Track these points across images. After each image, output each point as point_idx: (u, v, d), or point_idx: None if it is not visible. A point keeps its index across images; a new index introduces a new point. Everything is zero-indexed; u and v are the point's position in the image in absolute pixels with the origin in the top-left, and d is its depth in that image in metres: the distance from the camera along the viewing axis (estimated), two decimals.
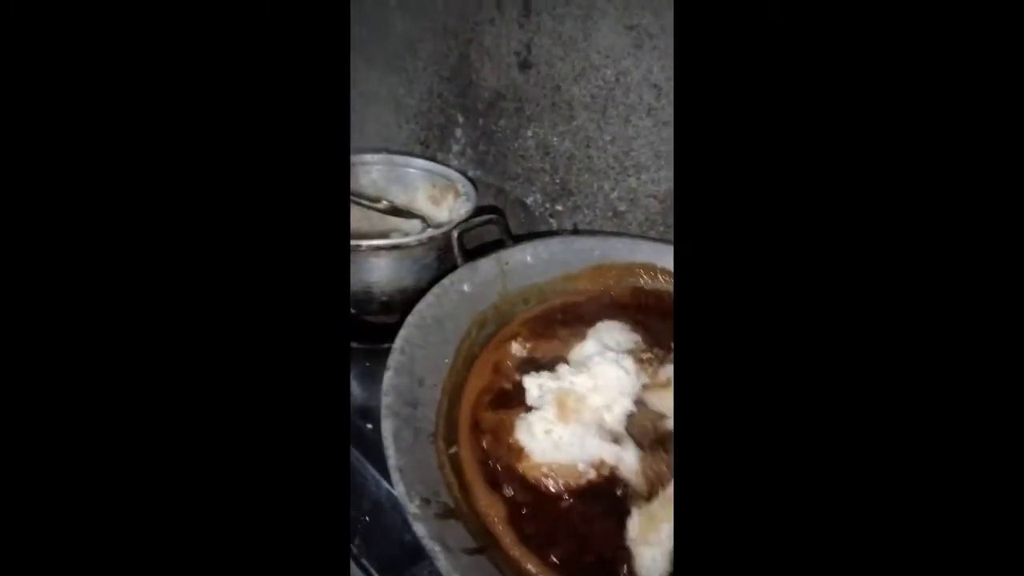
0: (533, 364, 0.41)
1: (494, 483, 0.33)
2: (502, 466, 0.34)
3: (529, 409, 0.37)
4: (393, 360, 0.35)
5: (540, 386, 0.37)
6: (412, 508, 0.28)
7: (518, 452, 0.35)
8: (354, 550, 0.43)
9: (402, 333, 0.37)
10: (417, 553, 0.40)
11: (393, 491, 0.39)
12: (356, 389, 0.48)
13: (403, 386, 0.34)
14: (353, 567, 0.43)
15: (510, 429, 0.36)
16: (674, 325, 0.25)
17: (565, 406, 0.36)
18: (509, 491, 0.33)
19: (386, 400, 0.33)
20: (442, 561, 0.26)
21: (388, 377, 0.34)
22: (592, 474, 0.34)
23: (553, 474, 0.34)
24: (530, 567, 0.30)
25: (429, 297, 0.41)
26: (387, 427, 0.31)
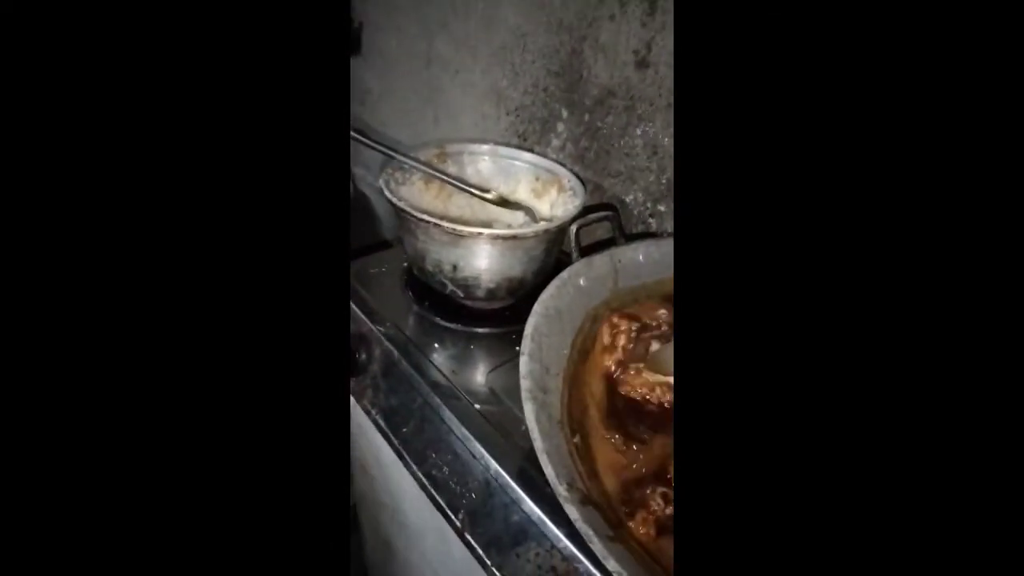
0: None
1: (630, 478, 0.34)
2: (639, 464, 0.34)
3: None
4: (526, 346, 0.36)
5: None
6: (562, 491, 0.29)
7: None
8: (458, 524, 0.45)
9: (531, 321, 0.38)
10: (522, 535, 0.41)
11: (503, 473, 0.41)
12: (457, 368, 0.49)
13: (536, 372, 0.35)
14: (457, 540, 0.45)
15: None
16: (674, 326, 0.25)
17: None
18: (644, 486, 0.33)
19: (525, 384, 0.34)
20: (597, 546, 0.26)
21: (524, 362, 0.35)
22: None
23: None
24: (664, 561, 0.30)
25: (551, 288, 0.42)
26: (529, 410, 0.32)
